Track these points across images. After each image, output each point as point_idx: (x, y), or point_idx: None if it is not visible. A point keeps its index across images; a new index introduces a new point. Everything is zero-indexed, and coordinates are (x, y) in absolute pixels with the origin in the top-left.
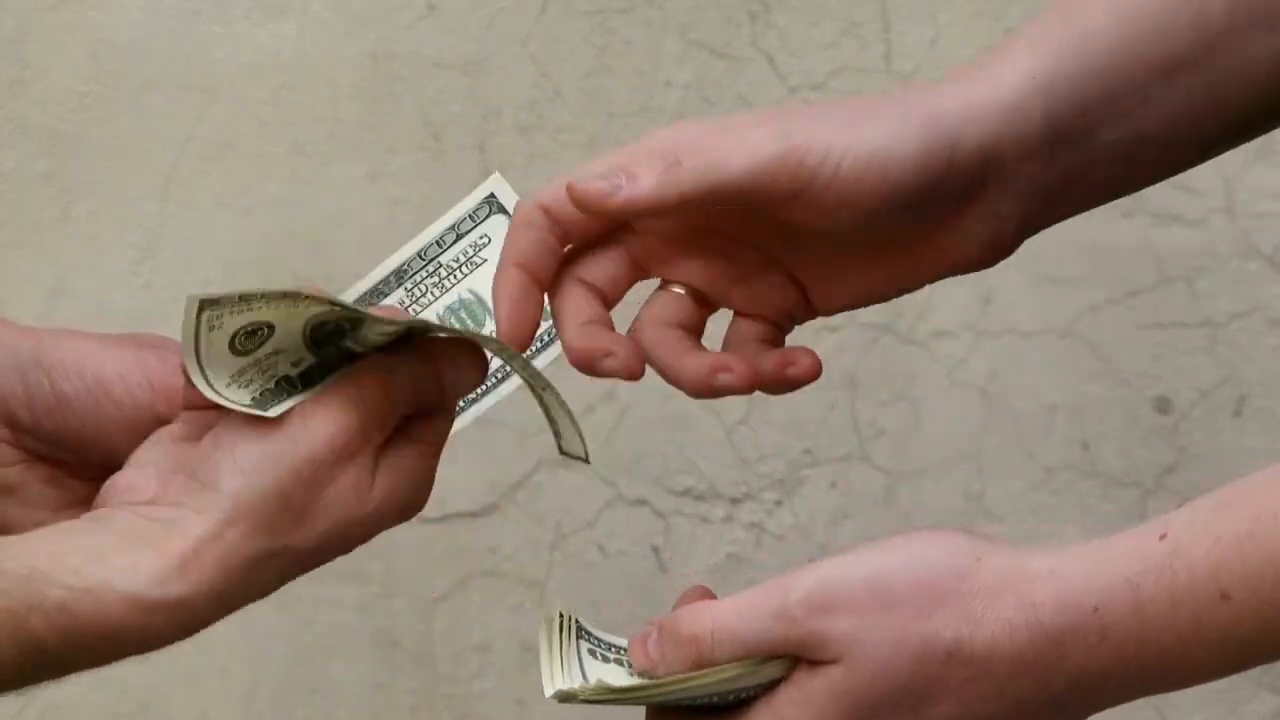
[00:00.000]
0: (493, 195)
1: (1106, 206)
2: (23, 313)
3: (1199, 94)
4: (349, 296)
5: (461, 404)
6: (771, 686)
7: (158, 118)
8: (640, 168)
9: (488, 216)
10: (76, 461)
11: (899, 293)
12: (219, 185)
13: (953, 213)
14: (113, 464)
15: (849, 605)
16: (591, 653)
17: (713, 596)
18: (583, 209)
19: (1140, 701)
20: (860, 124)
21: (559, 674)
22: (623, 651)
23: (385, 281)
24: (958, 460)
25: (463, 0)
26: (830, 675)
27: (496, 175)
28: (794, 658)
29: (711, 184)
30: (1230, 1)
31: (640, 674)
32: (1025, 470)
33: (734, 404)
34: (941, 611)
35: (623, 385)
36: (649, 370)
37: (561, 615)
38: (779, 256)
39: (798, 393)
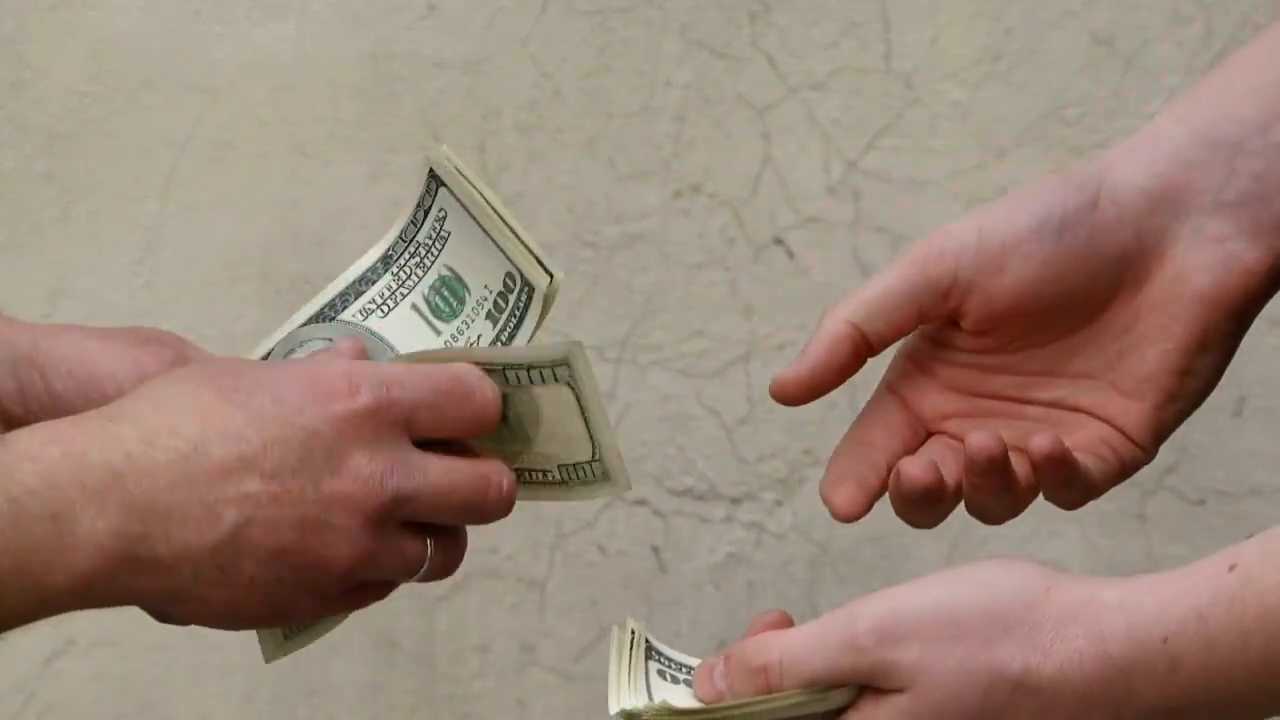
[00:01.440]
0: (432, 171)
1: None
2: (23, 313)
3: None
4: (337, 286)
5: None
6: (837, 714)
7: (158, 118)
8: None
9: (437, 190)
10: None
11: (1195, 376)
12: (219, 185)
13: (1155, 252)
14: None
15: (917, 634)
16: (661, 673)
17: (789, 622)
18: (786, 400)
19: None
20: (1001, 204)
21: (626, 693)
22: (692, 672)
23: (373, 269)
24: None
25: (463, 0)
26: (897, 703)
27: (438, 148)
28: (860, 686)
29: (873, 304)
30: None
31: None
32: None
33: (734, 404)
34: (1010, 641)
35: (622, 385)
36: (648, 372)
37: (633, 632)
38: (1058, 400)
39: None
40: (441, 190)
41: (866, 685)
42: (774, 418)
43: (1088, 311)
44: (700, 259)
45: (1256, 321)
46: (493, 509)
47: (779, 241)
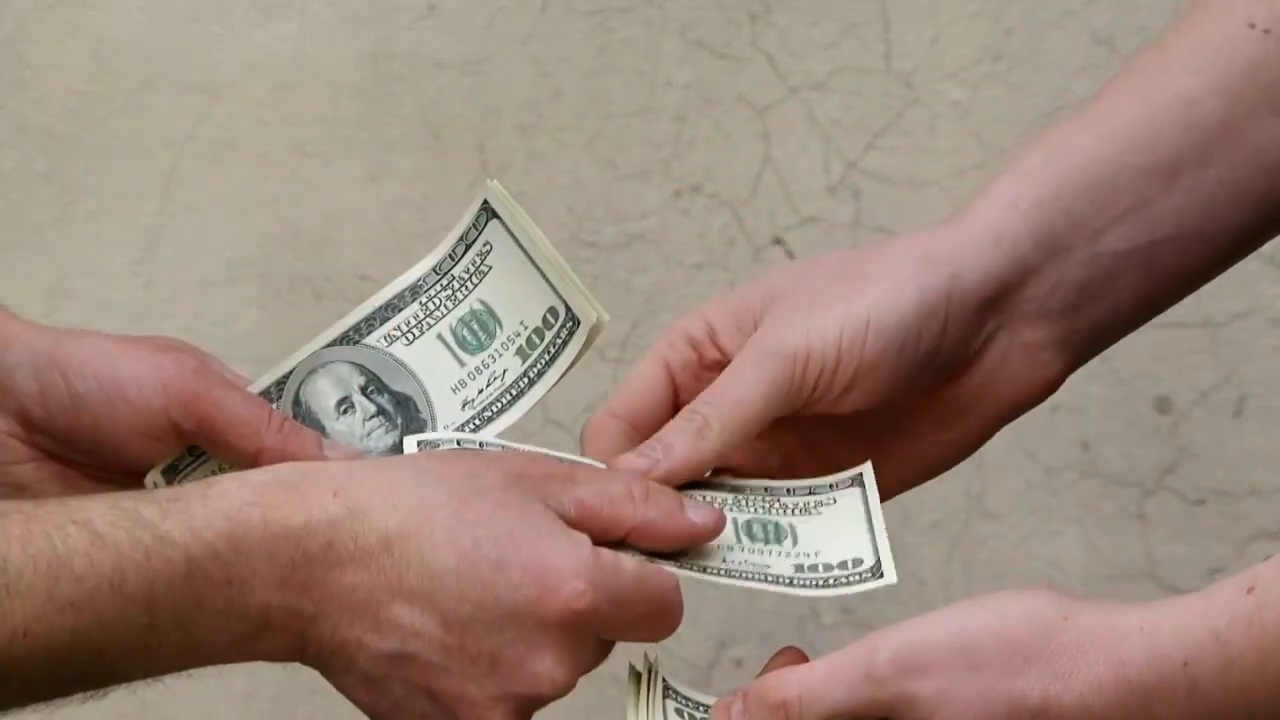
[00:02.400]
0: (487, 203)
1: None
2: (23, 313)
3: (1207, 190)
4: (362, 311)
5: None
6: None
7: (158, 118)
8: (673, 437)
9: (487, 223)
10: (88, 462)
11: (956, 459)
12: (219, 185)
13: (975, 353)
14: (123, 466)
15: (936, 665)
16: (679, 712)
17: (804, 659)
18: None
19: None
20: (851, 296)
21: (644, 716)
22: (709, 710)
23: (400, 296)
24: None
25: (463, 0)
26: None
27: (493, 184)
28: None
29: (741, 429)
30: (1225, 97)
31: None
32: (1025, 470)
33: None
34: (1029, 670)
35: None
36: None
37: (650, 670)
38: (830, 452)
39: None
40: (492, 223)
41: (886, 719)
42: None
43: (901, 401)
44: (700, 259)
45: (1256, 321)
46: None
47: (779, 241)
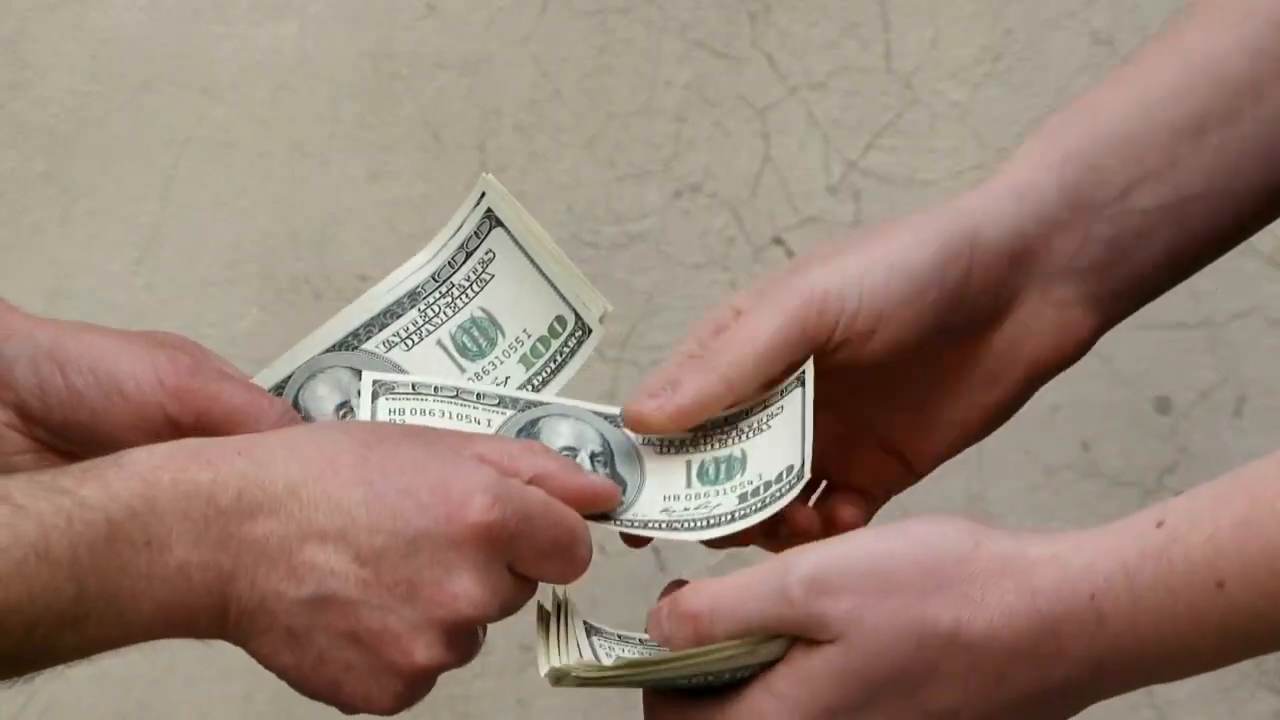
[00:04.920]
0: (490, 210)
1: None
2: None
3: (1235, 147)
4: (361, 316)
5: None
6: (768, 667)
7: (158, 118)
8: (681, 373)
9: (489, 231)
10: (85, 454)
11: (993, 423)
12: (219, 185)
13: (1004, 308)
14: None
15: (849, 587)
16: (589, 631)
17: None
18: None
19: (1141, 702)
20: (872, 245)
21: (555, 651)
22: (619, 639)
23: (399, 303)
24: (958, 460)
25: (463, 0)
26: (828, 654)
27: (489, 178)
28: (790, 638)
29: (752, 362)
30: (1252, 55)
31: (654, 649)
32: (1025, 470)
33: None
34: (941, 595)
35: (622, 385)
36: (648, 372)
37: (560, 606)
38: (867, 421)
39: None
40: (496, 231)
41: (797, 637)
42: None
43: (930, 356)
44: (700, 259)
45: (1256, 321)
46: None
47: (779, 241)
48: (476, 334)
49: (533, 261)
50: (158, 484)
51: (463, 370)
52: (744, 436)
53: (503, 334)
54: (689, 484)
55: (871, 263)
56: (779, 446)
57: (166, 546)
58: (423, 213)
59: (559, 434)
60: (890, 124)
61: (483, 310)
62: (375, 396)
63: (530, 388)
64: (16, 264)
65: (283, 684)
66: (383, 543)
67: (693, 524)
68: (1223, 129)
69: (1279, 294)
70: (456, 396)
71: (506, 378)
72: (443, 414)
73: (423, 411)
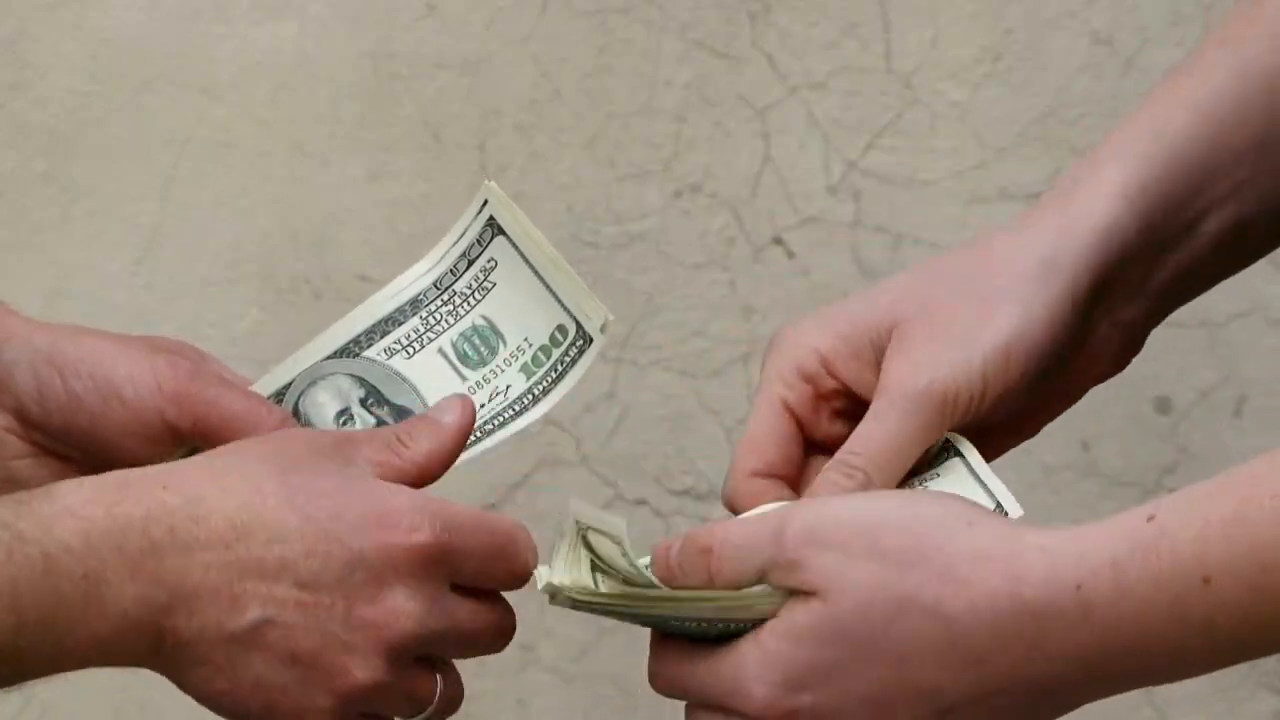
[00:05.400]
0: (492, 218)
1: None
2: (22, 313)
3: None
4: (363, 323)
5: (474, 436)
6: (762, 623)
7: (158, 118)
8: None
9: (492, 239)
10: (84, 459)
11: (1042, 426)
12: (219, 185)
13: (1081, 341)
14: (120, 465)
15: (835, 540)
16: (594, 567)
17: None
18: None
19: (1141, 701)
20: (983, 325)
21: (558, 569)
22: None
23: (400, 310)
24: None
25: (463, 0)
26: (811, 607)
27: (491, 185)
28: (784, 596)
29: (897, 476)
30: None
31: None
32: (1025, 470)
33: (734, 404)
34: (926, 567)
35: (622, 385)
36: (648, 372)
37: (580, 525)
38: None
39: None
40: (498, 239)
41: (791, 593)
42: None
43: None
44: (700, 259)
45: (1256, 321)
46: (499, 649)
47: (779, 241)
48: (478, 342)
49: (534, 270)
50: (91, 518)
51: (464, 379)
52: None
53: (504, 342)
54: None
55: (992, 351)
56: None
57: (102, 579)
58: (423, 213)
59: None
60: (890, 124)
61: (484, 319)
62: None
63: (531, 397)
64: (16, 264)
65: None
66: (319, 565)
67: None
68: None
69: (1279, 294)
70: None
71: (507, 386)
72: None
73: None
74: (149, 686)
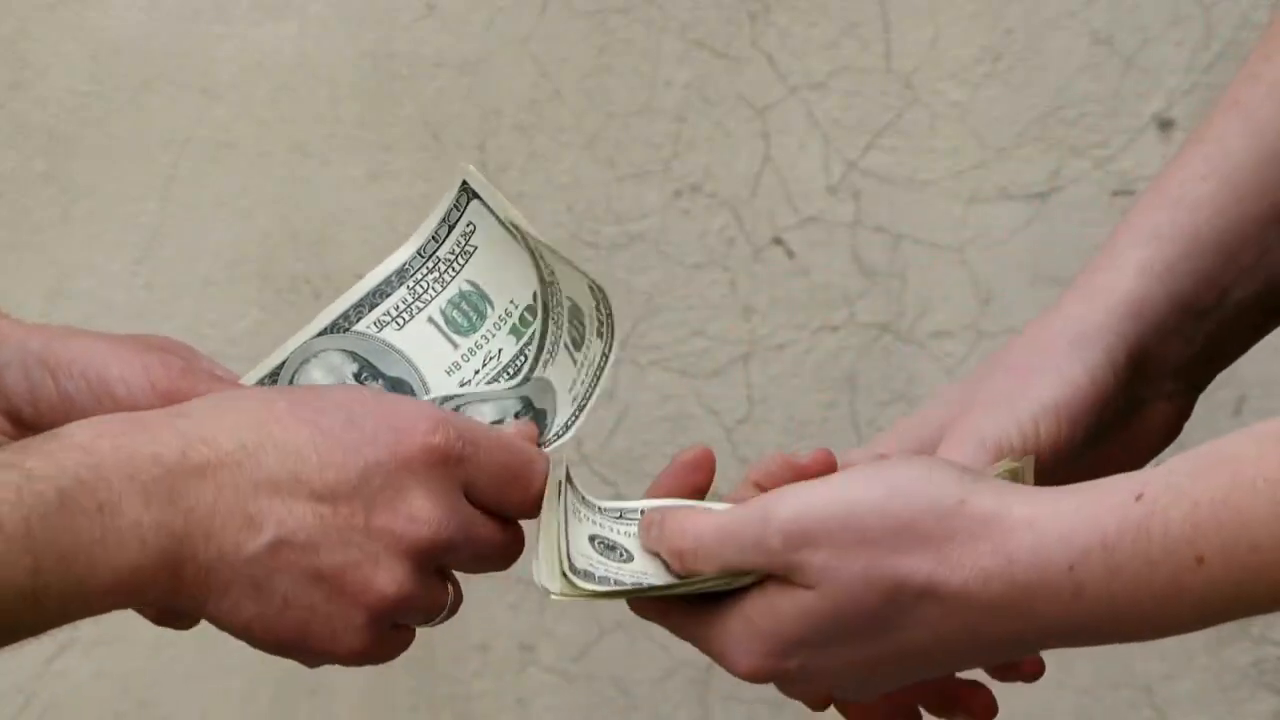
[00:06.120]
0: (465, 183)
1: (1102, 208)
2: (23, 313)
3: None
4: (351, 298)
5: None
6: (746, 588)
7: (158, 118)
8: None
9: (468, 203)
10: None
11: None
12: (219, 185)
13: (1129, 414)
14: None
15: (825, 538)
16: (587, 518)
17: (710, 461)
18: None
19: (1141, 701)
20: (1024, 387)
21: (548, 563)
22: (615, 516)
23: (387, 281)
24: None
25: (463, 0)
26: (799, 598)
27: (470, 168)
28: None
29: None
30: None
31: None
32: None
33: (734, 404)
34: (917, 551)
35: (622, 385)
36: (649, 371)
37: (562, 484)
38: None
39: (797, 392)
40: (473, 204)
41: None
42: (773, 418)
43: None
44: (700, 259)
45: None
46: (504, 567)
47: (779, 241)
48: (466, 308)
49: (509, 231)
50: (100, 451)
51: (455, 346)
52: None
53: (491, 306)
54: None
55: (1040, 406)
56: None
57: (118, 510)
58: (423, 213)
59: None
60: (890, 124)
61: (470, 283)
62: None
63: (523, 358)
64: (16, 264)
65: (283, 683)
66: (334, 477)
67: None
68: None
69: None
70: (621, 517)
71: (500, 350)
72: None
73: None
74: (150, 686)
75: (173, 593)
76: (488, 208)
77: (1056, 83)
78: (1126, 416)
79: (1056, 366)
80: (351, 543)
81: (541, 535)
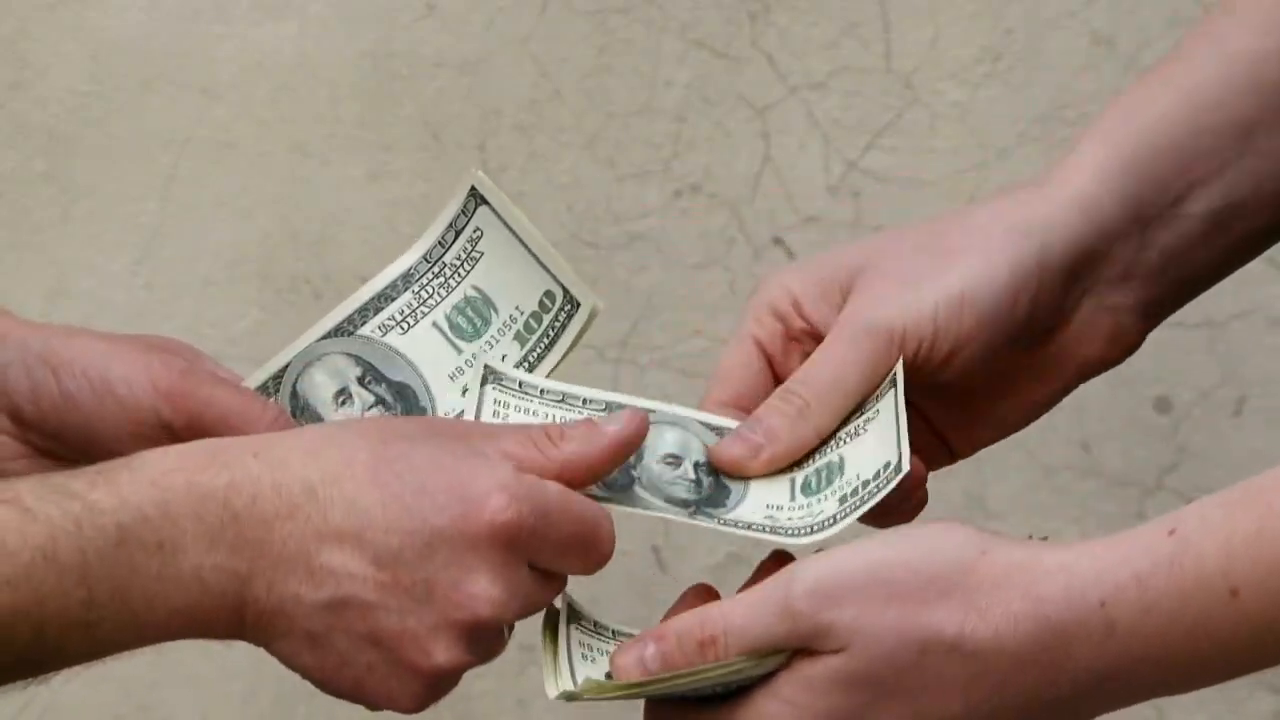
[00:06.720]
0: (474, 188)
1: None
2: (23, 313)
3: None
4: (356, 302)
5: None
6: (771, 674)
7: (158, 118)
8: (774, 420)
9: (476, 209)
10: (79, 459)
11: (1035, 416)
12: (219, 185)
13: (1063, 319)
14: None
15: (852, 596)
16: (583, 654)
17: (714, 595)
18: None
19: None
20: (943, 272)
21: (564, 675)
22: (617, 637)
23: (393, 286)
24: None
25: (463, 0)
26: (830, 663)
27: (478, 174)
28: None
29: (839, 407)
30: None
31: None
32: (1025, 470)
33: None
34: (946, 603)
35: (622, 385)
36: (648, 372)
37: (559, 612)
38: (918, 408)
39: None
40: (481, 209)
41: (802, 648)
42: None
43: (991, 363)
44: (700, 259)
45: (1257, 321)
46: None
47: (779, 241)
48: (471, 314)
49: (517, 237)
50: (171, 487)
51: (460, 351)
52: (842, 444)
53: (496, 312)
54: (793, 497)
55: (945, 295)
56: (874, 446)
57: (181, 549)
58: (423, 213)
59: (665, 441)
60: (890, 124)
61: (475, 289)
62: (485, 382)
63: (526, 365)
64: (16, 264)
65: (283, 684)
66: (399, 543)
67: (796, 531)
68: (1268, 134)
69: (1279, 294)
70: (563, 400)
71: (503, 355)
72: (547, 416)
73: (527, 411)
74: (150, 688)
75: (238, 630)
76: (495, 213)
77: (1057, 83)
78: (1056, 319)
79: (982, 250)
80: (409, 611)
81: (545, 652)
